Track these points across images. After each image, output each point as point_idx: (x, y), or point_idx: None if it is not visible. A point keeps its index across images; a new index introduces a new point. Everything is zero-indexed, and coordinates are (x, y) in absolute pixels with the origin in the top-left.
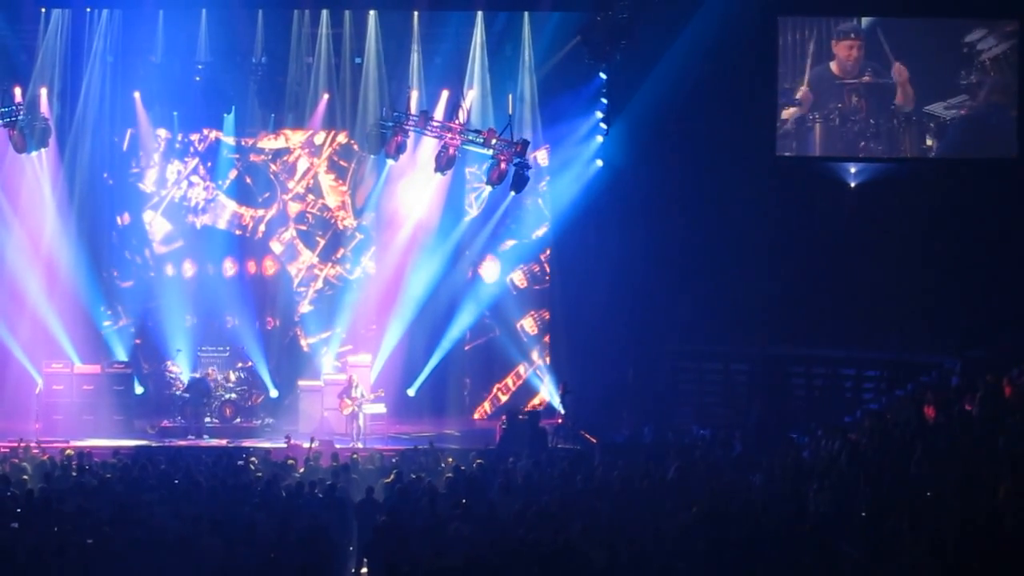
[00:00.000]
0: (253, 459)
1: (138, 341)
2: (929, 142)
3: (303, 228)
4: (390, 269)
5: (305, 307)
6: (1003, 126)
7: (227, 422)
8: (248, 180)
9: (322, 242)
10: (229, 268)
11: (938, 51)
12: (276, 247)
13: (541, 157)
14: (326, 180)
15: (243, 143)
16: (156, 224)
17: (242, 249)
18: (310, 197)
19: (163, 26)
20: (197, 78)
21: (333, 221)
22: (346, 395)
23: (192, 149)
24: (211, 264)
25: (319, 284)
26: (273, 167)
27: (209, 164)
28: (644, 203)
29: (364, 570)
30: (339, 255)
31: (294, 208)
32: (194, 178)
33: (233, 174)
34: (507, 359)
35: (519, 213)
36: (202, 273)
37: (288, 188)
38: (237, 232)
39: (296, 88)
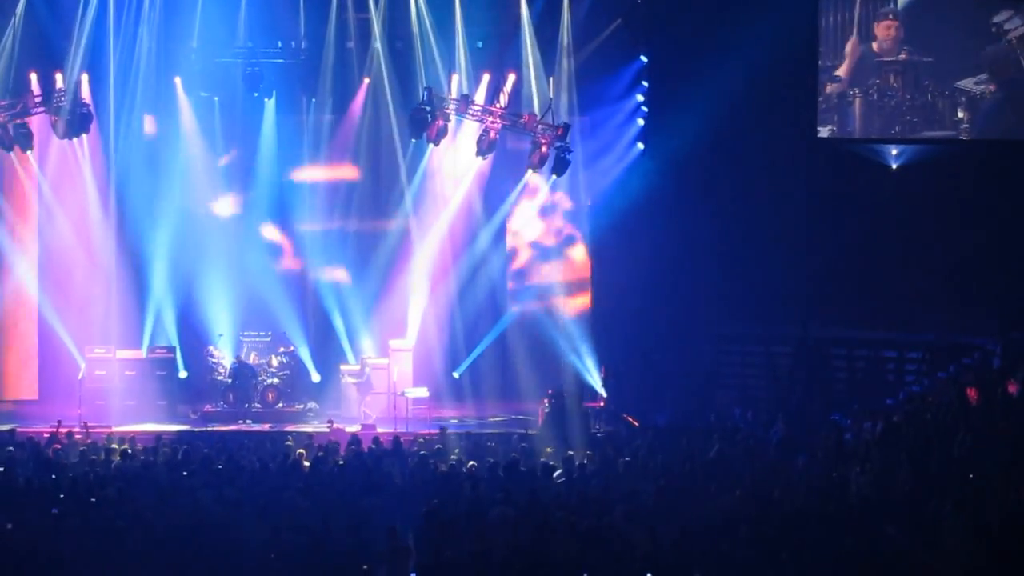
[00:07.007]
0: (289, 440)
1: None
2: (961, 115)
3: None
4: (432, 253)
5: None
6: None
7: (270, 407)
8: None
9: None
10: None
11: (966, 31)
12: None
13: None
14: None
15: None
16: None
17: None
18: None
19: (202, 11)
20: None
21: None
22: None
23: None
24: None
25: None
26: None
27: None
28: (685, 185)
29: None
30: None
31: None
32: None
33: None
34: (549, 342)
35: (560, 196)
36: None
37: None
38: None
39: (336, 73)
